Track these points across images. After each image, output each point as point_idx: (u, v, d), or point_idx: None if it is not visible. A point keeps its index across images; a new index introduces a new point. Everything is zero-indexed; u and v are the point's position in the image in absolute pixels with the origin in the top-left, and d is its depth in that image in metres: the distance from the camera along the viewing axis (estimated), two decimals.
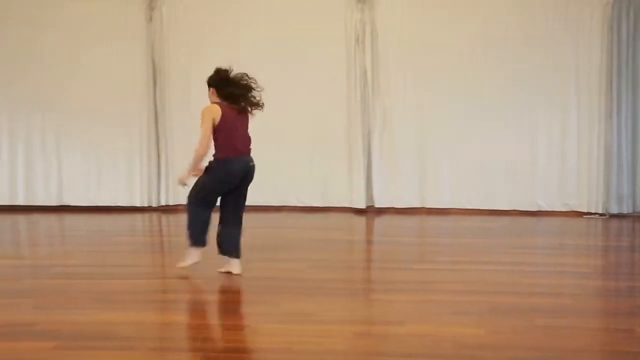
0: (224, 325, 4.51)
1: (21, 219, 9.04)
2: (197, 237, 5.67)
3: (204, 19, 9.15)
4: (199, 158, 5.53)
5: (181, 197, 6.59)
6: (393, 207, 9.13)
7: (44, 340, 4.17)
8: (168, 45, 9.27)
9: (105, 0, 9.18)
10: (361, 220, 8.88)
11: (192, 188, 5.66)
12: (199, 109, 5.59)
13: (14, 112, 9.35)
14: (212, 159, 5.63)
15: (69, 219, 9.06)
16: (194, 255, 5.70)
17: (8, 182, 9.46)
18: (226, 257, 5.74)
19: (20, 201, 9.46)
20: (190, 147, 5.71)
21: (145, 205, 9.45)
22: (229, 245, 5.73)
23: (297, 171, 9.15)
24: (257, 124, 8.87)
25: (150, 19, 9.26)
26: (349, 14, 9.01)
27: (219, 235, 5.75)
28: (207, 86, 5.68)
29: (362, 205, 9.16)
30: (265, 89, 8.72)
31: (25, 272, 6.14)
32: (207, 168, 5.62)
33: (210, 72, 5.66)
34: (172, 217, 8.92)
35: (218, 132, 5.54)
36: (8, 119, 9.39)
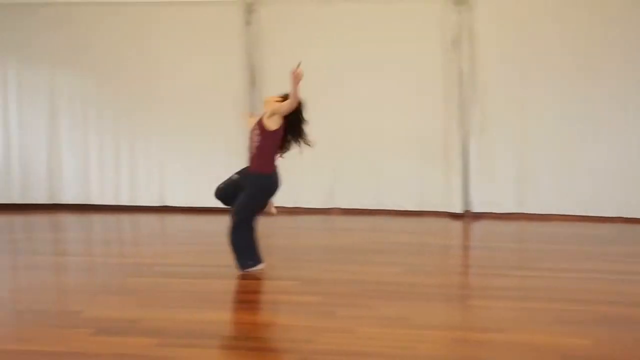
0: (320, 328, 4.53)
1: (125, 218, 9.36)
2: (258, 255, 5.86)
3: (300, 21, 9.22)
4: (295, 101, 5.56)
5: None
6: (491, 212, 8.95)
7: (147, 337, 4.31)
8: (266, 48, 9.39)
9: (205, 4, 9.40)
10: (458, 225, 8.74)
11: (241, 207, 5.84)
12: None
13: (118, 115, 9.66)
14: (258, 173, 5.80)
15: (170, 219, 9.32)
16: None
17: (112, 183, 9.81)
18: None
19: (124, 201, 9.80)
20: None
21: None
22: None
23: (393, 174, 9.08)
24: (352, 127, 8.97)
25: (249, 22, 9.42)
26: (446, 16, 8.89)
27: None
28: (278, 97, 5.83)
29: (458, 209, 9.02)
30: (361, 91, 8.87)
31: (129, 270, 6.34)
32: (256, 183, 5.79)
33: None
34: (267, 219, 9.01)
35: (273, 139, 5.72)
36: (112, 123, 9.69)
